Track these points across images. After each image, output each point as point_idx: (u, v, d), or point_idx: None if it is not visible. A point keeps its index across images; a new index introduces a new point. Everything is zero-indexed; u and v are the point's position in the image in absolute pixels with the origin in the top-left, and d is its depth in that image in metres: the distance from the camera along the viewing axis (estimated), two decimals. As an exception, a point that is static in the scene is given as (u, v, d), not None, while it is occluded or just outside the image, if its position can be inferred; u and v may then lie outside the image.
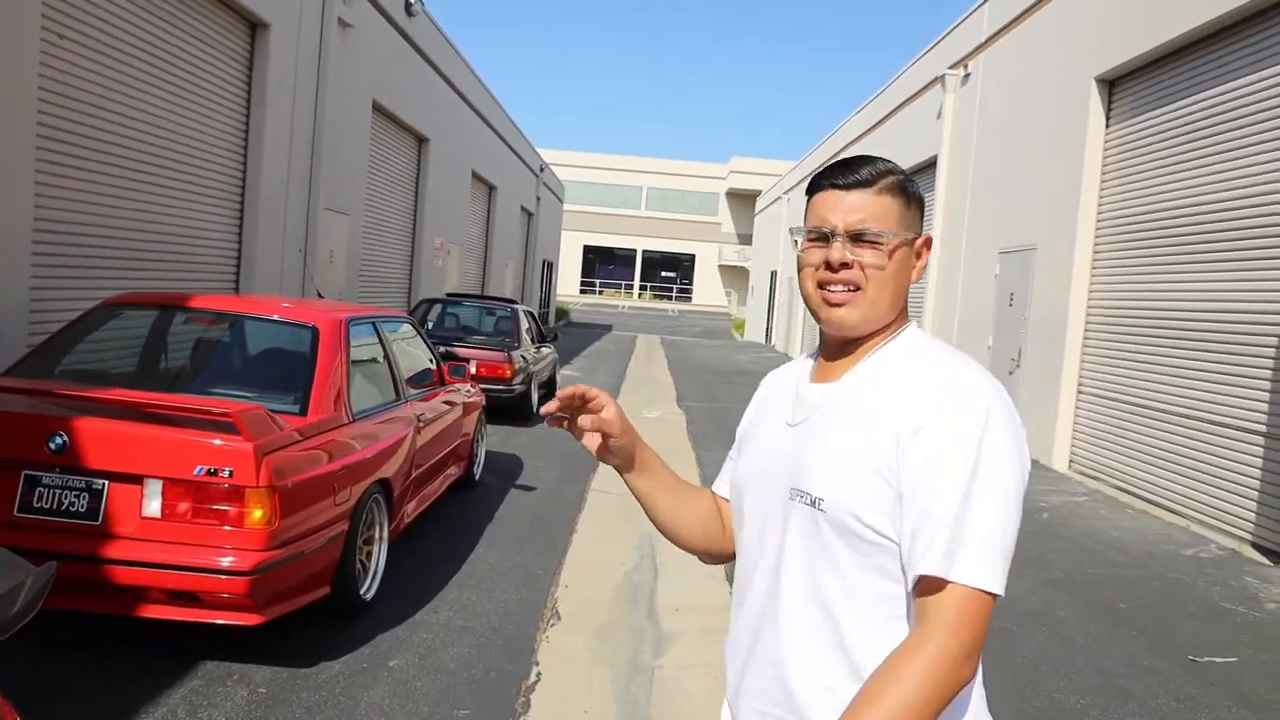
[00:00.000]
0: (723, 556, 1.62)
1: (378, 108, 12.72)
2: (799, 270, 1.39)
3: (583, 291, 57.35)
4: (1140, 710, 3.90)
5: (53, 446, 3.31)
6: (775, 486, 1.35)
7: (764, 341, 31.27)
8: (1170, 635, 4.84)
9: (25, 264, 6.03)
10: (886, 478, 1.23)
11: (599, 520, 6.41)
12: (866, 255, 1.30)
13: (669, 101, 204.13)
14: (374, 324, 4.96)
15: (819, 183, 1.37)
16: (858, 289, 1.32)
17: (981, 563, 1.18)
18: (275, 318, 4.58)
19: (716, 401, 13.95)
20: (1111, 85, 9.29)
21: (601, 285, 59.15)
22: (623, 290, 59.29)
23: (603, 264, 59.39)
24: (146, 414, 3.48)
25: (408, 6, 13.45)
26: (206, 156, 8.59)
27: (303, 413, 3.84)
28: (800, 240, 1.38)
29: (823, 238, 1.34)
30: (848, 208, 1.32)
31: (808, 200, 1.39)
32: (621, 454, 1.53)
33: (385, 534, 4.41)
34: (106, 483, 3.32)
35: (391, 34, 13.04)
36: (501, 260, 23.54)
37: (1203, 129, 7.81)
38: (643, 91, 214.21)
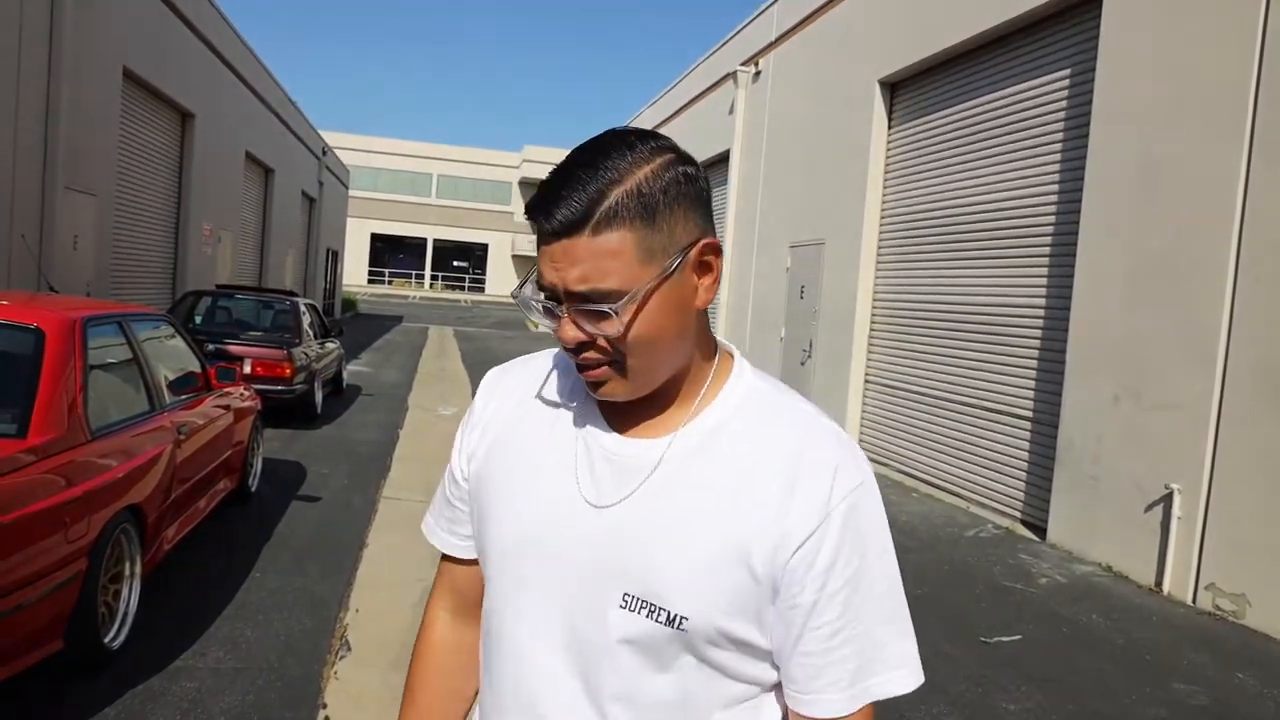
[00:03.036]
0: None
1: (131, 76, 11.36)
2: None
3: (371, 281, 54.99)
4: (945, 698, 3.97)
5: None
6: (583, 577, 1.00)
7: (561, 333, 31.08)
8: (963, 618, 5.03)
9: None
10: (760, 579, 0.96)
11: (392, 532, 5.93)
12: (605, 326, 0.94)
13: (459, 87, 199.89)
14: (120, 323, 4.26)
15: (530, 216, 0.95)
16: (615, 362, 0.97)
17: (906, 670, 1.01)
18: (-10, 317, 3.81)
19: (515, 396, 13.57)
20: (893, 88, 9.73)
21: (391, 275, 56.98)
22: (413, 280, 57.42)
23: (392, 253, 57.19)
24: None
25: (168, -32, 12.11)
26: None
27: (22, 434, 3.18)
28: (531, 295, 0.99)
29: (554, 298, 0.96)
30: (560, 262, 0.93)
31: None
32: None
33: (138, 569, 3.78)
34: None
35: (154, 4, 11.70)
36: (281, 249, 21.98)
37: (973, 133, 8.30)
38: (432, 76, 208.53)
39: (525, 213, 0.96)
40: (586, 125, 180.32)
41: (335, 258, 32.15)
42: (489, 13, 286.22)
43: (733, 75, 13.93)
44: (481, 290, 56.99)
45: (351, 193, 38.01)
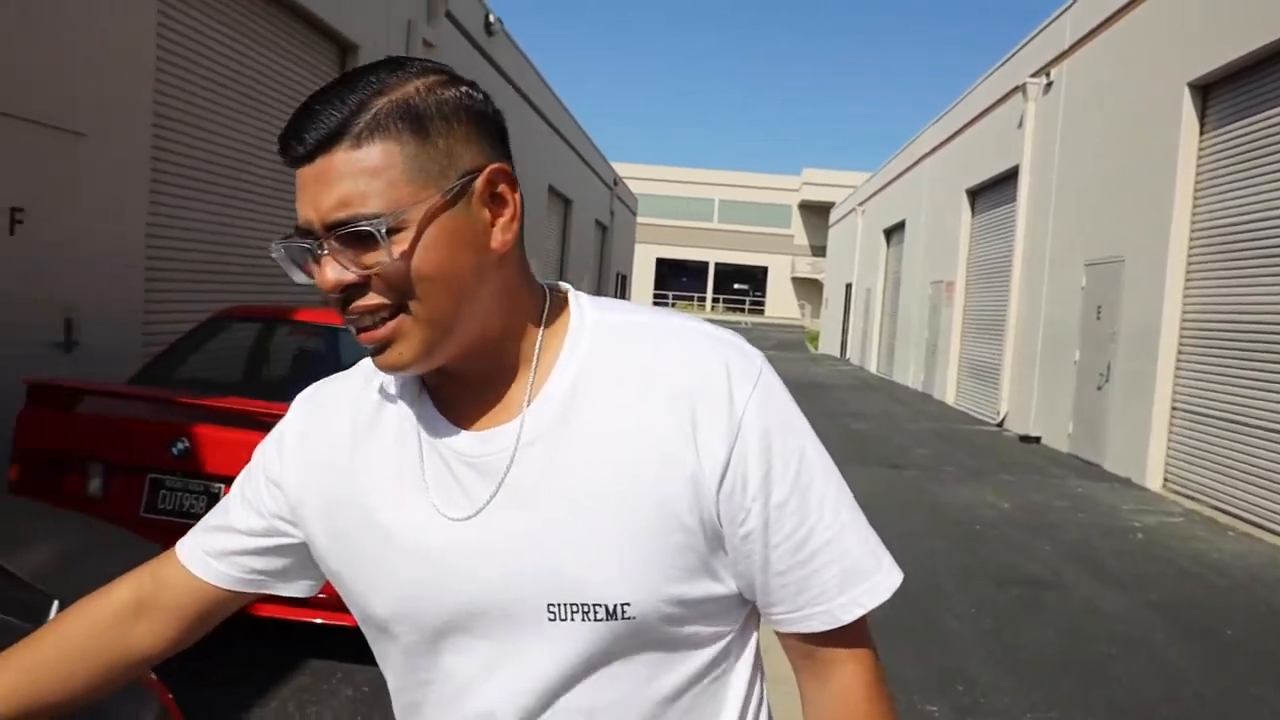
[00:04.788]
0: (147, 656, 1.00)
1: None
2: None
3: (656, 304, 57.46)
4: (1247, 736, 3.78)
5: (174, 452, 3.51)
6: (492, 607, 0.84)
7: (839, 355, 30.98)
8: (1278, 664, 4.67)
9: (140, 278, 6.37)
10: (692, 528, 0.83)
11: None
12: (375, 256, 0.78)
13: (740, 114, 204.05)
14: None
15: (282, 148, 0.81)
16: (398, 312, 0.80)
17: (886, 568, 0.88)
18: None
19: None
20: (1205, 91, 9.02)
21: (674, 298, 59.27)
22: (695, 302, 59.34)
23: (675, 276, 59.53)
24: (258, 421, 3.64)
25: (487, 26, 13.76)
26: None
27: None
28: (282, 253, 0.84)
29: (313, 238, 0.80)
30: (316, 188, 0.78)
31: None
32: None
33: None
34: (223, 486, 3.50)
35: (472, 53, 13.36)
36: (577, 274, 23.81)
37: (1306, 136, 7.54)
38: (713, 103, 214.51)
39: (279, 149, 0.81)
40: (868, 147, 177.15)
41: (624, 282, 34.16)
42: (764, 39, 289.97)
43: (1021, 88, 13.42)
44: (761, 312, 57.79)
45: (638, 219, 40.19)
